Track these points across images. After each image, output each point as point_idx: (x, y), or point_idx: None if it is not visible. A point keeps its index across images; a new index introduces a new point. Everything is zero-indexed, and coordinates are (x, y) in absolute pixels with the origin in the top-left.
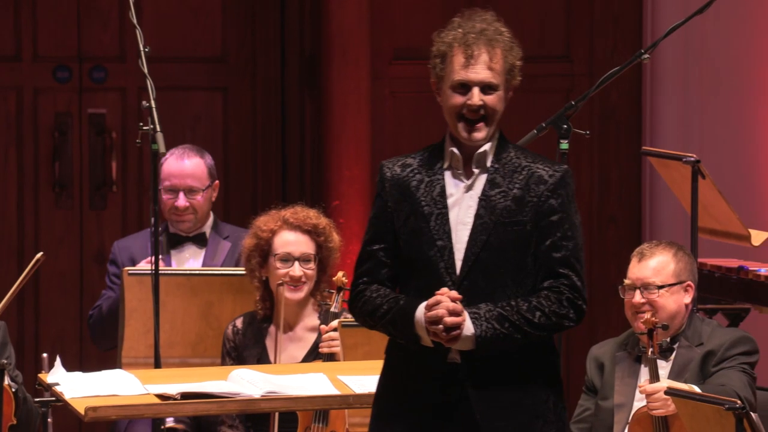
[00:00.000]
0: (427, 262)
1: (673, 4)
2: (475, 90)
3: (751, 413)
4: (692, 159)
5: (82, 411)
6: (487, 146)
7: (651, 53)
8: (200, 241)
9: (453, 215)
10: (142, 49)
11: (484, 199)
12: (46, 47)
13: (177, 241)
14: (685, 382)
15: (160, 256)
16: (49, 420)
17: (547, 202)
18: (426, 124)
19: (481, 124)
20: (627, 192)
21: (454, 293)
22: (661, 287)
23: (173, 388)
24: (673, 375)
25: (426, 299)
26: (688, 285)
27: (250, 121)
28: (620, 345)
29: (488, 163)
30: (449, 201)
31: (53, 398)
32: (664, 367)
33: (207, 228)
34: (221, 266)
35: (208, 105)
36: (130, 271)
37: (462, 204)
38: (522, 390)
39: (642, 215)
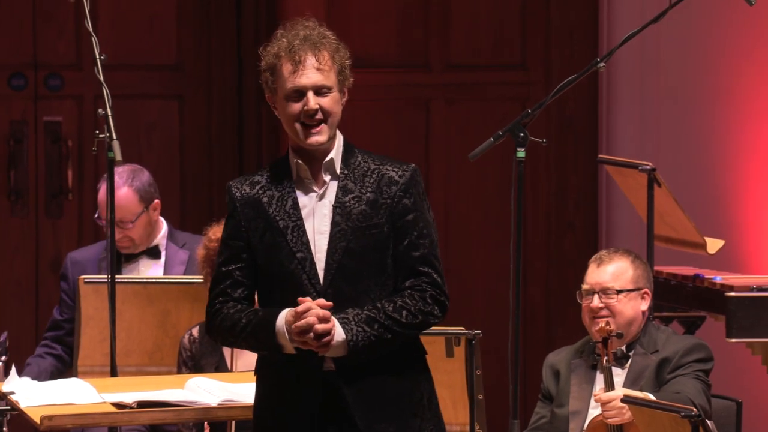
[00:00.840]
0: (289, 275)
1: (629, 13)
2: (310, 94)
3: (707, 420)
4: (648, 167)
5: (37, 420)
6: (333, 153)
7: (607, 61)
8: (153, 253)
9: (309, 226)
10: (97, 56)
11: (339, 206)
12: (1, 55)
13: (129, 256)
14: (641, 389)
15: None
16: (4, 429)
17: (400, 203)
18: (382, 132)
19: (319, 127)
20: (584, 199)
21: (323, 301)
22: (619, 292)
23: (130, 397)
24: (629, 382)
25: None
26: (645, 292)
27: (206, 129)
28: (576, 352)
29: (338, 170)
30: (303, 212)
31: (8, 407)
32: (619, 375)
33: (161, 239)
34: (183, 273)
35: (163, 113)
36: (86, 280)
37: (317, 213)
38: (397, 390)
39: (599, 223)
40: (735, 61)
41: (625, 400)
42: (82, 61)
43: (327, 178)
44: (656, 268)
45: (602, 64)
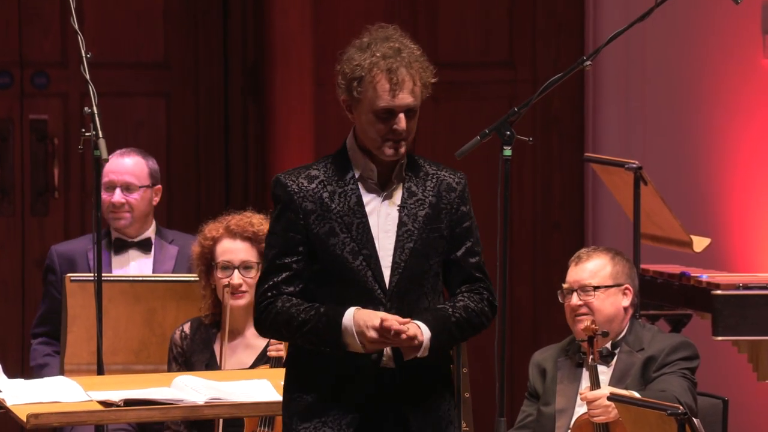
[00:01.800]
0: (353, 272)
1: (615, 12)
2: (401, 116)
3: (694, 418)
4: (634, 165)
5: (24, 418)
6: (405, 159)
7: (593, 60)
8: (145, 246)
9: (373, 224)
10: (84, 54)
11: (405, 207)
12: None
13: (120, 246)
14: (626, 387)
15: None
16: None
17: (459, 210)
18: None
19: (402, 143)
20: (570, 198)
21: (403, 319)
22: (597, 288)
23: (116, 395)
24: (614, 380)
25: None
26: (627, 288)
27: (192, 127)
28: (562, 350)
29: (402, 173)
30: (367, 210)
31: None
32: (605, 373)
33: (151, 233)
34: (172, 272)
35: (150, 111)
36: (72, 278)
37: (380, 212)
38: (439, 396)
39: (585, 221)
40: (720, 60)
41: (612, 398)
42: (68, 59)
43: (396, 180)
44: (642, 266)
45: (588, 63)
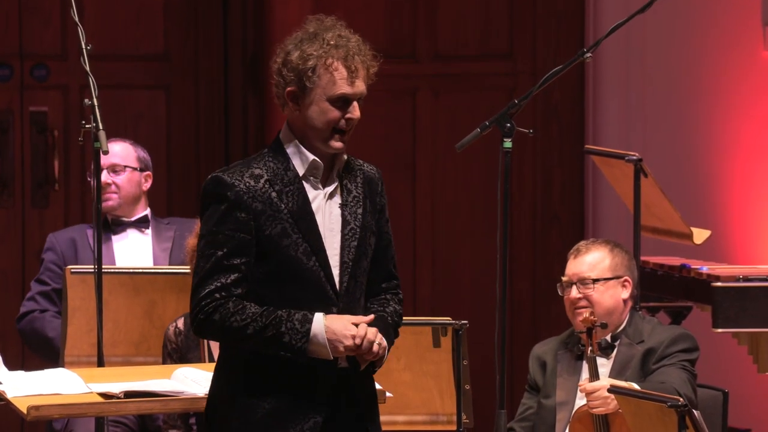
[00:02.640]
0: (307, 273)
1: (615, 4)
2: (355, 104)
3: (693, 410)
4: (634, 157)
5: (24, 410)
6: (344, 156)
7: (593, 52)
8: (141, 224)
9: (318, 223)
10: (84, 46)
11: (346, 205)
12: None
13: (117, 225)
14: (626, 379)
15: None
16: None
17: (380, 202)
18: (369, 122)
19: (347, 135)
20: (570, 190)
21: (367, 318)
22: (596, 281)
23: (116, 387)
24: (614, 373)
25: (307, 310)
26: (626, 280)
27: (192, 119)
28: (562, 343)
29: (341, 169)
30: (312, 208)
31: None
32: (605, 365)
33: (147, 213)
34: (170, 252)
35: (150, 103)
36: (72, 270)
37: (324, 211)
38: (374, 389)
39: (585, 214)
40: (720, 52)
41: (612, 390)
42: (68, 51)
43: (336, 176)
44: (643, 258)
45: (589, 55)
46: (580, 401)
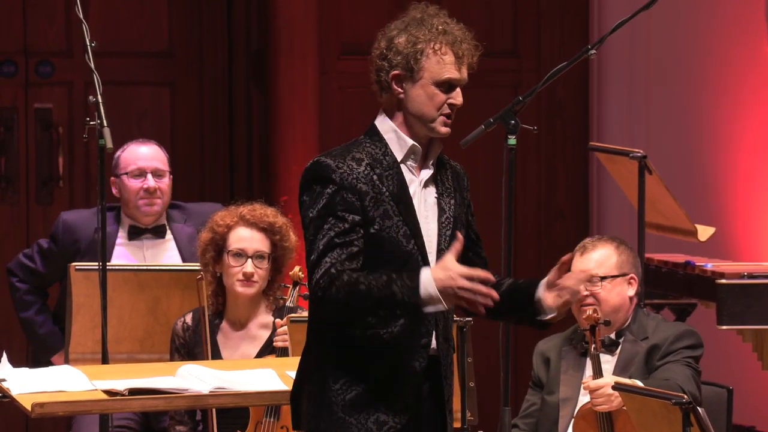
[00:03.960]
0: (406, 255)
1: (620, 1)
2: (459, 90)
3: (698, 407)
4: (639, 154)
5: (29, 407)
6: (441, 145)
7: (598, 49)
8: (159, 232)
9: (415, 208)
10: (88, 43)
11: (441, 195)
12: None
13: (134, 233)
14: (630, 376)
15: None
16: None
17: (467, 197)
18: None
19: (450, 121)
20: (574, 187)
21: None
22: (603, 278)
23: (121, 384)
24: (618, 369)
25: None
26: (632, 278)
27: (197, 115)
28: (566, 340)
29: (436, 158)
30: (411, 194)
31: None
32: (609, 362)
33: (163, 220)
34: (182, 249)
35: (155, 100)
36: (77, 267)
37: (420, 198)
38: (452, 384)
39: (589, 210)
40: (725, 48)
41: (617, 387)
42: (73, 47)
43: (432, 165)
44: (647, 255)
45: (593, 52)
46: (584, 398)
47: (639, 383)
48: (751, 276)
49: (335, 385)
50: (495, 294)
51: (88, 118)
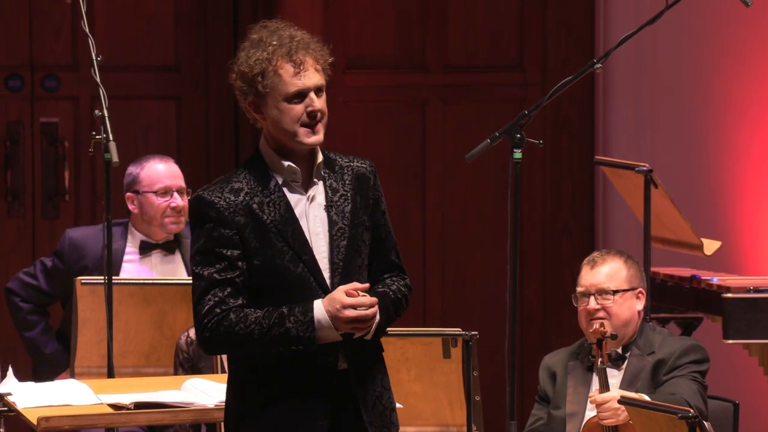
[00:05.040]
0: (296, 279)
1: (625, 15)
2: (312, 95)
3: (704, 422)
4: (645, 168)
5: (34, 421)
6: (320, 156)
7: (603, 63)
8: (169, 247)
9: (303, 228)
10: (94, 57)
11: (332, 205)
12: None
13: (145, 248)
14: (637, 390)
15: (137, 261)
16: (1, 430)
17: (373, 196)
18: (379, 133)
19: (318, 127)
20: (580, 201)
21: (359, 284)
22: (615, 292)
23: (126, 398)
24: (625, 384)
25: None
26: (640, 292)
27: (203, 130)
28: (572, 354)
29: (321, 171)
30: (296, 214)
31: (5, 408)
32: (616, 376)
33: (171, 235)
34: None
35: (161, 114)
36: (83, 281)
37: (308, 215)
38: (384, 388)
39: (595, 224)
40: (731, 62)
41: (623, 401)
42: (79, 62)
43: (316, 180)
44: (653, 269)
45: (599, 66)
46: (590, 413)
47: (645, 397)
48: (757, 290)
49: (251, 418)
50: (374, 313)
51: (94, 132)
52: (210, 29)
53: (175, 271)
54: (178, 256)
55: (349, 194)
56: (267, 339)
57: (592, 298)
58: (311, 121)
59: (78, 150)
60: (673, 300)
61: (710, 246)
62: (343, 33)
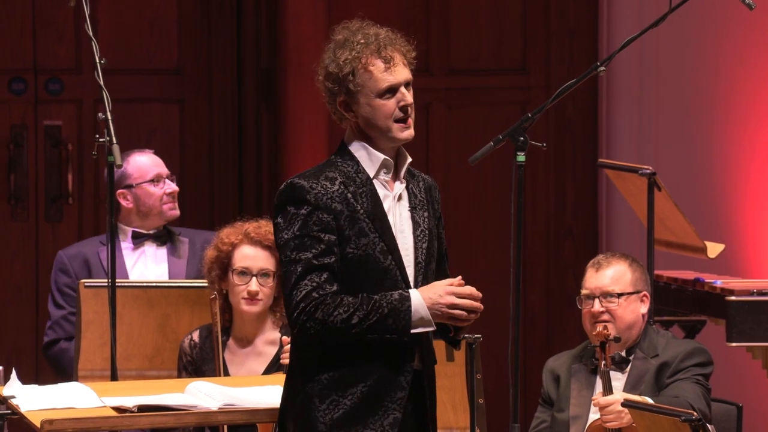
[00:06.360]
0: (383, 271)
1: (629, 18)
2: (403, 89)
3: (708, 424)
4: (648, 171)
5: (38, 424)
6: (409, 157)
7: (607, 66)
8: (160, 238)
9: (391, 223)
10: (97, 60)
11: (414, 208)
12: (1, 59)
13: (136, 238)
14: (641, 393)
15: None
16: None
17: (438, 210)
18: None
19: (410, 121)
20: (583, 204)
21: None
22: (620, 295)
23: (130, 401)
24: (629, 387)
25: None
26: (644, 295)
27: (206, 133)
28: (576, 357)
29: (407, 172)
30: (384, 209)
31: (9, 411)
32: (619, 379)
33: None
34: (186, 262)
35: (164, 117)
36: (86, 284)
37: (395, 212)
38: (435, 396)
39: (598, 227)
40: (734, 65)
41: (626, 404)
42: (82, 65)
43: (404, 179)
44: (656, 272)
45: (602, 69)
46: (594, 415)
47: (649, 400)
48: (760, 293)
49: (321, 405)
50: (480, 306)
51: (97, 135)
52: (213, 32)
53: (163, 263)
54: (165, 249)
55: (425, 201)
56: (364, 326)
57: (596, 300)
58: (404, 115)
59: (81, 153)
60: (677, 303)
61: (714, 249)
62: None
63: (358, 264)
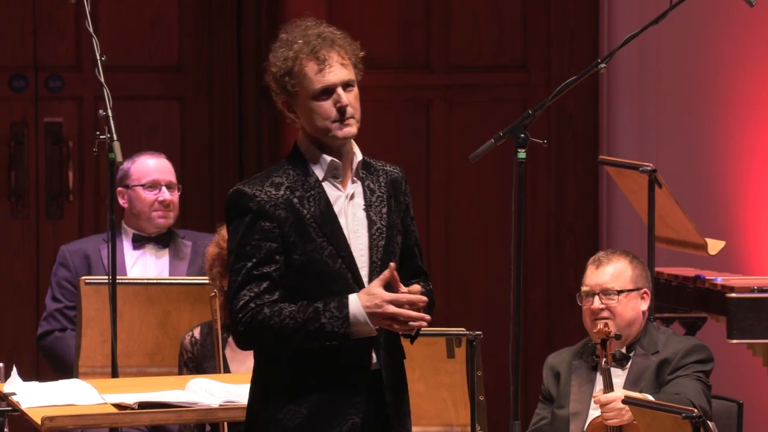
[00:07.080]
0: (334, 275)
1: (629, 15)
2: (339, 90)
3: (708, 421)
4: (649, 168)
5: (38, 420)
6: (359, 155)
7: (607, 63)
8: (161, 241)
9: (342, 225)
10: (98, 58)
11: (370, 205)
12: (2, 56)
13: (137, 240)
14: (641, 390)
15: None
16: (5, 430)
17: (405, 201)
18: (383, 133)
19: (351, 120)
20: (584, 201)
21: (389, 271)
22: (620, 292)
23: (131, 398)
24: (629, 383)
25: None
26: (645, 292)
27: (207, 130)
28: (576, 354)
29: (360, 171)
30: (335, 211)
31: (9, 408)
32: (620, 376)
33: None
34: (188, 265)
35: (164, 114)
36: (87, 281)
37: (347, 213)
38: (405, 393)
39: (599, 224)
40: (735, 62)
41: (627, 401)
42: (83, 62)
43: (356, 178)
44: (657, 269)
45: (603, 65)
46: (594, 412)
47: (650, 397)
48: (761, 290)
49: (279, 415)
50: (427, 317)
51: (98, 132)
52: (214, 30)
53: (164, 266)
54: (166, 252)
55: (384, 197)
56: (301, 334)
57: (596, 297)
58: (341, 116)
59: (82, 150)
60: (677, 300)
61: (714, 246)
62: (347, 33)
63: (305, 270)
